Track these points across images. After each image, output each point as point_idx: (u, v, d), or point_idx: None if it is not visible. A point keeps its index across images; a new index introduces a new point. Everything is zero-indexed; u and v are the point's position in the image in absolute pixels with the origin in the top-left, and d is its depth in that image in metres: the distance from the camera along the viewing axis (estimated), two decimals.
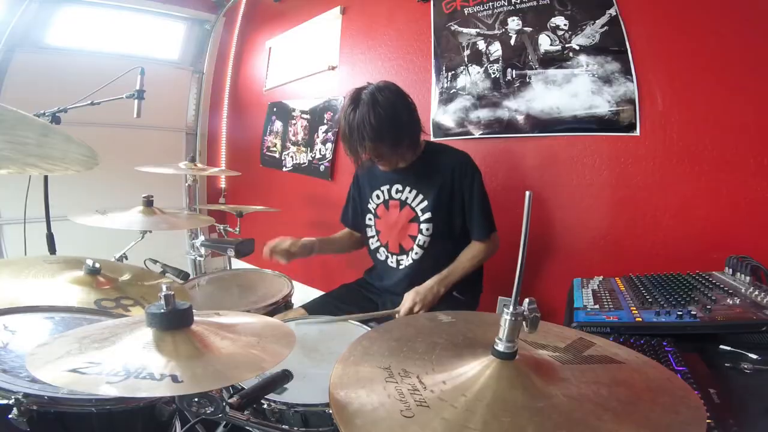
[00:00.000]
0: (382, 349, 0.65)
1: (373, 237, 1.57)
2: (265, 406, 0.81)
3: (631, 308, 0.97)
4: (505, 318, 0.55)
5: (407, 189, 1.45)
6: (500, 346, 0.56)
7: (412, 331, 0.72)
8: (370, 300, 1.54)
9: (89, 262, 1.09)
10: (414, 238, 1.44)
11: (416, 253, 1.45)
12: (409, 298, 1.32)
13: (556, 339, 0.69)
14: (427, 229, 1.42)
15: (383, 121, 1.26)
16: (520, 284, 0.55)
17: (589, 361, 0.62)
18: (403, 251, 1.48)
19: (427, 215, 1.41)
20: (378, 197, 1.52)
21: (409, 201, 1.44)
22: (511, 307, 0.55)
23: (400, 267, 1.50)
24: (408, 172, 1.44)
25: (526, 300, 0.55)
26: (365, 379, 0.57)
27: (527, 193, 0.53)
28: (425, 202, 1.41)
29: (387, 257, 1.53)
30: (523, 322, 0.55)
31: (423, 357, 0.61)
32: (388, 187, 1.49)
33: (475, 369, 0.55)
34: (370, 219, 1.57)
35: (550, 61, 1.66)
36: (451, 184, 1.39)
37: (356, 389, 0.55)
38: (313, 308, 1.43)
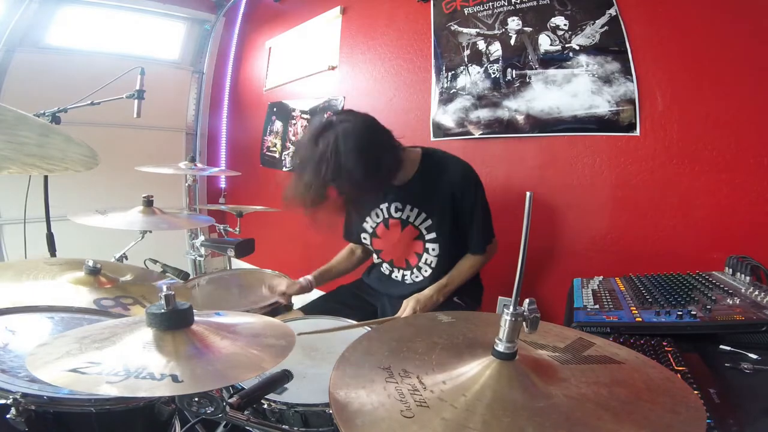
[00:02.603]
0: (382, 349, 0.65)
1: (375, 254, 1.55)
2: (265, 406, 0.81)
3: (631, 308, 0.97)
4: (505, 318, 0.55)
5: (407, 207, 1.38)
6: (500, 347, 0.56)
7: (412, 331, 0.72)
8: (368, 302, 1.53)
9: (89, 263, 1.09)
10: (419, 255, 1.42)
11: (426, 272, 1.42)
12: (409, 306, 1.30)
13: (556, 339, 0.69)
14: (434, 249, 1.39)
15: (344, 168, 1.12)
16: (521, 284, 0.55)
17: (589, 361, 0.62)
18: (410, 266, 1.46)
19: (432, 235, 1.38)
20: (378, 216, 1.44)
21: (411, 220, 1.39)
22: (511, 308, 0.55)
23: (406, 281, 1.47)
24: (407, 189, 1.36)
25: (526, 300, 0.55)
26: (365, 379, 0.57)
27: (528, 193, 0.53)
28: (429, 221, 1.37)
29: (392, 272, 1.51)
30: (523, 323, 0.55)
31: (423, 357, 0.61)
32: (386, 205, 1.40)
33: (475, 369, 0.55)
34: (365, 238, 1.51)
35: (550, 61, 1.66)
36: (453, 202, 1.34)
37: (356, 389, 0.55)
38: (311, 310, 1.42)
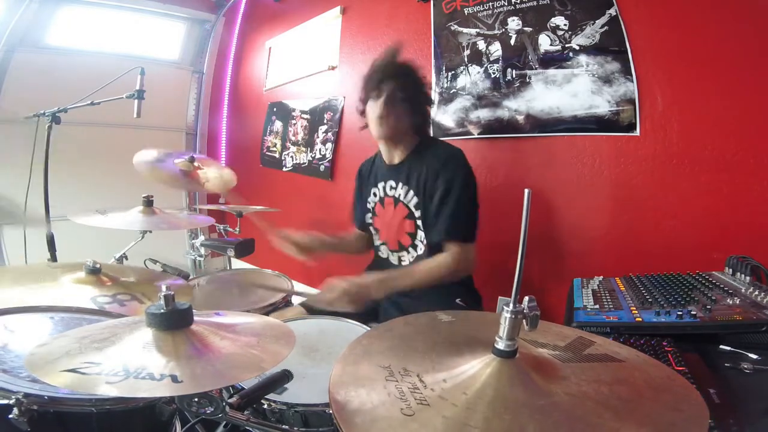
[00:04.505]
0: (382, 348, 0.65)
1: (375, 235, 1.57)
2: (265, 406, 0.81)
3: (631, 308, 0.96)
4: (505, 316, 0.55)
5: (399, 185, 1.43)
6: (500, 345, 0.56)
7: (413, 331, 0.72)
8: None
9: (89, 262, 1.09)
10: (412, 234, 1.43)
11: (421, 249, 1.42)
12: (336, 288, 1.17)
13: (557, 338, 0.69)
14: (422, 227, 1.40)
15: (410, 74, 1.40)
16: (520, 282, 0.54)
17: (590, 360, 0.62)
18: (403, 248, 1.47)
19: (420, 211, 1.39)
20: (375, 195, 1.52)
21: (401, 198, 1.43)
22: (511, 305, 0.55)
23: (403, 263, 1.48)
24: (401, 167, 1.43)
25: (526, 298, 0.55)
26: (365, 378, 0.57)
27: (526, 190, 0.53)
28: (416, 198, 1.39)
29: (388, 255, 1.52)
30: (523, 320, 0.55)
31: (423, 356, 0.61)
32: (383, 184, 1.48)
33: (476, 367, 0.55)
34: (369, 217, 1.57)
35: (550, 61, 1.66)
36: (434, 178, 1.33)
37: (356, 388, 0.55)
38: (312, 306, 1.42)
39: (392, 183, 1.46)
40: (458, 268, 1.28)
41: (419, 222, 1.41)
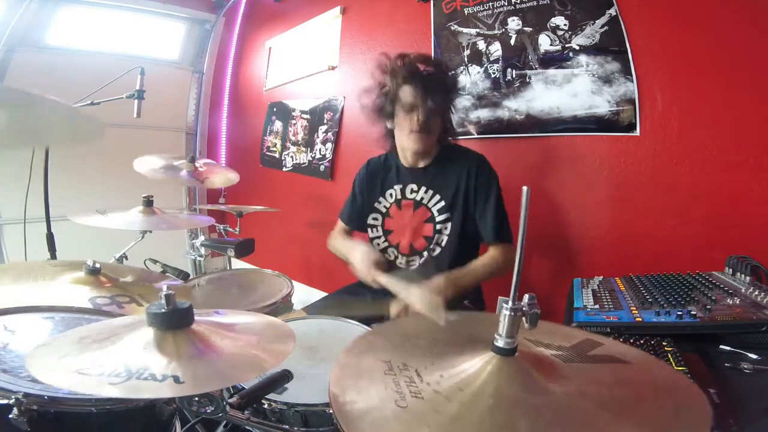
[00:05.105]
0: (385, 343, 0.66)
1: (379, 237, 1.52)
2: (265, 406, 0.82)
3: (631, 308, 0.97)
4: (505, 313, 0.55)
5: (422, 189, 1.42)
6: (500, 342, 0.56)
7: (415, 328, 0.73)
8: (373, 300, 1.52)
9: (89, 262, 1.09)
10: (429, 238, 1.42)
11: (435, 251, 1.42)
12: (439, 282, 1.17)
13: (562, 339, 0.69)
14: (446, 228, 1.40)
15: (447, 81, 1.36)
16: (519, 279, 0.54)
17: (594, 361, 0.62)
18: (414, 252, 1.45)
19: (445, 215, 1.39)
20: (391, 196, 1.48)
21: (424, 201, 1.42)
22: (510, 303, 0.54)
23: (411, 268, 1.46)
24: (423, 172, 1.42)
25: (526, 296, 0.55)
26: (365, 371, 0.58)
27: (524, 188, 0.53)
28: (442, 202, 1.39)
29: (396, 257, 1.50)
30: (523, 318, 0.54)
31: (424, 352, 0.62)
32: (401, 186, 1.46)
33: (474, 365, 0.56)
34: (376, 219, 1.52)
35: (550, 61, 1.66)
36: (466, 183, 1.36)
37: (355, 379, 0.56)
38: (313, 311, 1.42)
39: (413, 186, 1.44)
40: (507, 264, 1.33)
41: (441, 225, 1.40)
